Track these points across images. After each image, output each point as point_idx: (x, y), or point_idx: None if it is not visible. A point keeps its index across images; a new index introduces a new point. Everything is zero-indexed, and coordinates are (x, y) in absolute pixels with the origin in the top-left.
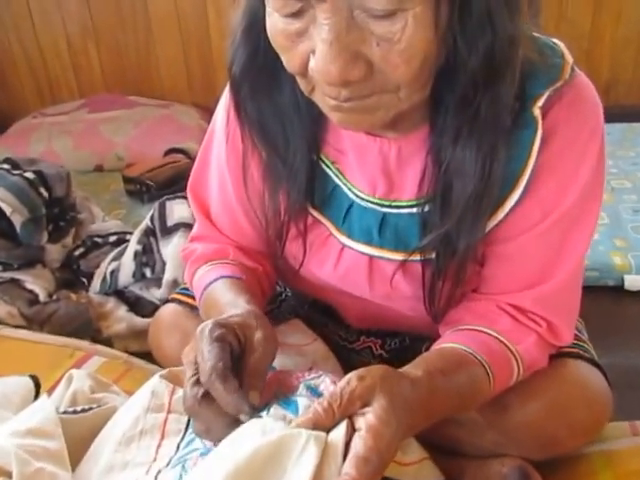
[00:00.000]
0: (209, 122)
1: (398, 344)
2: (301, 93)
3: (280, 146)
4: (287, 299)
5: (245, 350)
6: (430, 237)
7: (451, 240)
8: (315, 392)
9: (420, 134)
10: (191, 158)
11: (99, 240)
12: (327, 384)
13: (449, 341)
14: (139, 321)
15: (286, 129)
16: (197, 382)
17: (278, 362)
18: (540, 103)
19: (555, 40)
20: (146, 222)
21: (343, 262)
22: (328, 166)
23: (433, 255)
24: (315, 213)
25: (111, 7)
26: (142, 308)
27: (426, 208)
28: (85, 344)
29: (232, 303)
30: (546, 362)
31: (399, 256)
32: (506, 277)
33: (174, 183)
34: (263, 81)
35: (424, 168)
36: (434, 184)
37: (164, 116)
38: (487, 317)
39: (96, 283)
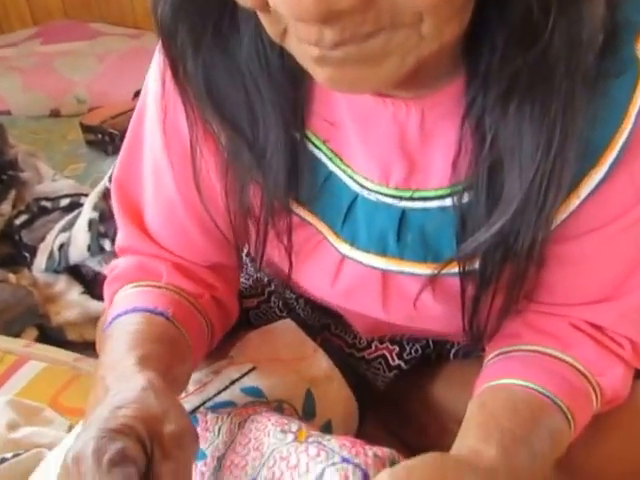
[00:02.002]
0: None
1: (420, 351)
2: (269, 39)
3: (244, 122)
4: (277, 289)
5: (153, 459)
6: (474, 241)
7: (504, 242)
8: None
9: (452, 90)
10: None
11: (47, 204)
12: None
13: (513, 374)
14: (95, 306)
15: (250, 95)
16: None
17: (264, 383)
18: None
19: None
20: (104, 183)
21: (344, 278)
22: (318, 146)
23: (477, 264)
24: (302, 212)
25: None
26: (101, 287)
27: (465, 198)
28: (19, 345)
29: (118, 366)
30: (627, 395)
31: (427, 269)
32: (581, 285)
33: None
34: (208, 22)
35: (459, 140)
36: (476, 164)
37: (133, 49)
38: (558, 338)
39: (41, 260)
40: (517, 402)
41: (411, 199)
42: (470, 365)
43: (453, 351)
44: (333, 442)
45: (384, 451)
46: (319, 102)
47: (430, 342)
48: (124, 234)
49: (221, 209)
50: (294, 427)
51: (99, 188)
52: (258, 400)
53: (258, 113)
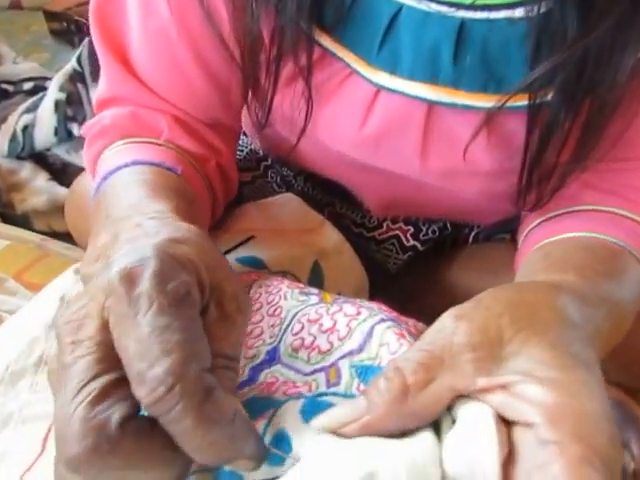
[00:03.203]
0: None
1: (437, 233)
2: None
3: None
4: (274, 164)
5: (207, 315)
6: (552, 64)
7: (591, 66)
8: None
9: None
10: None
11: (9, 88)
12: (392, 346)
13: (576, 228)
14: (64, 193)
15: None
16: (105, 393)
17: (264, 253)
18: None
19: None
20: (72, 64)
21: (376, 118)
22: None
23: (550, 96)
24: (326, 42)
25: None
26: (70, 177)
27: (542, 7)
28: None
29: (147, 209)
30: None
31: (487, 101)
32: None
33: None
34: None
35: None
36: None
37: None
38: (624, 196)
39: (2, 143)
40: (589, 246)
41: (472, 8)
42: (492, 248)
43: (473, 234)
44: (367, 304)
45: (420, 324)
46: None
47: (448, 224)
48: (109, 80)
49: (226, 34)
50: (314, 290)
51: (66, 69)
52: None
53: None
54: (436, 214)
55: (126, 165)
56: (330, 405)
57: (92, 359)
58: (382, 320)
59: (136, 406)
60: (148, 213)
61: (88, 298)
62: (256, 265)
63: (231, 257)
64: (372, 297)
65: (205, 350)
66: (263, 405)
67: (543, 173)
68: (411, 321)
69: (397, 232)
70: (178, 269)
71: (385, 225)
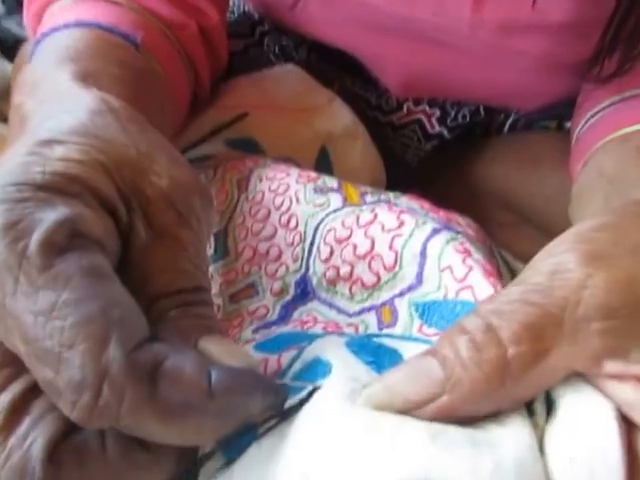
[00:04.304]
0: None
1: (468, 118)
2: None
3: None
4: (272, 31)
5: (133, 235)
6: None
7: None
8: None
9: None
10: None
11: None
12: (457, 271)
13: None
14: None
15: None
16: (17, 413)
17: (261, 135)
18: None
19: None
20: None
21: None
22: None
23: None
24: None
25: None
26: None
27: None
28: None
29: (43, 84)
30: None
31: None
32: None
33: None
34: None
35: None
36: None
37: None
38: None
39: None
40: None
41: None
42: (532, 138)
43: (509, 122)
44: (406, 201)
45: (470, 221)
46: None
47: (481, 108)
48: None
49: None
50: (331, 181)
51: None
52: None
53: None
54: (471, 96)
55: (66, 26)
56: (383, 348)
57: None
58: (434, 231)
59: None
60: (46, 93)
61: None
62: (250, 149)
63: (219, 139)
64: None
65: (131, 312)
66: (295, 337)
67: (636, 26)
68: (461, 219)
69: (420, 116)
70: (47, 202)
71: (406, 107)
